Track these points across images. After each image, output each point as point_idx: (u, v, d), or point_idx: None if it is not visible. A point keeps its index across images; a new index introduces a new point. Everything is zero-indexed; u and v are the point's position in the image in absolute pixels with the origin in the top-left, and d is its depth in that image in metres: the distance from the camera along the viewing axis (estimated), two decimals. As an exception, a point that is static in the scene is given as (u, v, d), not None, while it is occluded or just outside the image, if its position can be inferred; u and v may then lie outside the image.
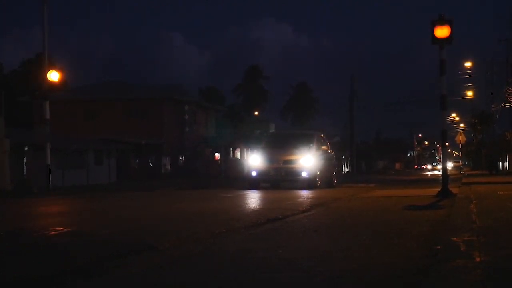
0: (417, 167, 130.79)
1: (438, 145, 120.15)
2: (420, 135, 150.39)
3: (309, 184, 21.45)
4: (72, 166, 36.70)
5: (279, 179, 22.23)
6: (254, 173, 22.18)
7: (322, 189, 21.26)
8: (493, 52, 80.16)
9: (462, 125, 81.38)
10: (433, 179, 37.11)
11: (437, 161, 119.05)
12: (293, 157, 22.08)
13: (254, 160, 22.66)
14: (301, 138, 23.92)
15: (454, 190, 16.01)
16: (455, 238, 6.15)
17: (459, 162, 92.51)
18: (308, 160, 21.92)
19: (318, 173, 22.24)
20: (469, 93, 68.06)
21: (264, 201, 14.87)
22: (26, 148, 29.87)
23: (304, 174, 21.69)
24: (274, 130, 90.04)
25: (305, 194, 17.71)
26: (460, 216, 8.92)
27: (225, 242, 7.01)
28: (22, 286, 4.73)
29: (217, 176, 50.05)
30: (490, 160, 49.84)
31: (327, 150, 24.36)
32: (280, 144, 23.46)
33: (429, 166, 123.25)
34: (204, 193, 19.92)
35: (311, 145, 22.98)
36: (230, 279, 4.88)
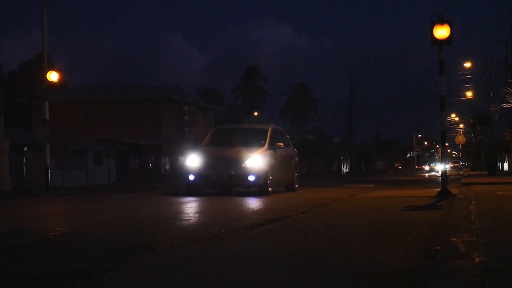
0: (418, 167, 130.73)
1: (437, 146, 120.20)
2: (419, 135, 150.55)
3: (259, 189, 18.03)
4: (71, 166, 36.70)
5: (220, 184, 18.26)
6: (191, 177, 18.25)
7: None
8: (492, 53, 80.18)
9: (461, 125, 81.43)
10: (432, 180, 37.13)
11: (436, 162, 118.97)
12: (238, 157, 18.13)
13: (192, 161, 18.47)
14: (252, 134, 20.21)
15: (454, 191, 16.01)
16: (454, 239, 6.14)
17: (458, 163, 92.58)
18: (256, 161, 18.00)
19: (270, 176, 18.32)
20: (469, 94, 68.10)
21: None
22: (25, 149, 29.87)
23: (251, 178, 17.84)
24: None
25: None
26: (460, 216, 8.92)
27: (225, 242, 7.00)
28: (20, 287, 4.72)
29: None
30: (489, 160, 49.90)
31: (285, 147, 20.34)
32: (225, 141, 19.56)
33: (426, 167, 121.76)
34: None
35: (263, 141, 19.07)
36: (230, 279, 4.87)
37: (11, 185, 25.45)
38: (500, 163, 57.55)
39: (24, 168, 29.52)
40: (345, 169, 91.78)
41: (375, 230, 7.99)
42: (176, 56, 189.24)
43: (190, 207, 13.47)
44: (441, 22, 15.54)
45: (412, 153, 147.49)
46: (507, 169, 54.15)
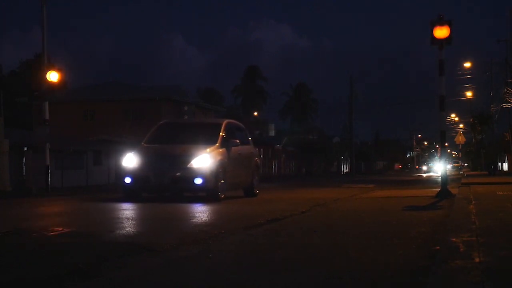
0: (418, 167, 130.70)
1: (437, 146, 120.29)
2: (419, 135, 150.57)
3: (208, 194, 15.24)
4: (71, 166, 36.69)
5: (161, 188, 15.54)
6: (128, 180, 15.51)
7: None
8: (492, 53, 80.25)
9: (461, 125, 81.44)
10: (431, 180, 37.13)
11: (434, 161, 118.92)
12: (183, 156, 15.33)
13: (129, 161, 15.68)
14: (203, 129, 17.39)
15: (454, 191, 16.02)
16: (454, 239, 6.14)
17: (458, 163, 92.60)
18: (205, 160, 15.17)
19: (222, 179, 15.60)
20: (469, 94, 68.11)
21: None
22: (25, 149, 29.86)
23: (197, 181, 15.03)
24: (273, 129, 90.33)
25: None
26: (460, 216, 8.92)
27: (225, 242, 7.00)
28: (20, 287, 4.72)
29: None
30: (489, 160, 49.91)
31: (242, 144, 17.47)
32: (171, 138, 16.88)
33: (424, 167, 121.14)
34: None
35: (215, 138, 16.29)
36: (229, 279, 4.87)
37: (11, 185, 25.45)
38: (500, 163, 57.55)
39: (24, 168, 29.50)
40: (345, 169, 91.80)
41: (375, 230, 7.99)
42: (176, 56, 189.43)
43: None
44: (441, 22, 15.55)
45: (412, 153, 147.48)
46: (507, 169, 54.13)
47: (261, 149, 64.98)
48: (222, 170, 15.57)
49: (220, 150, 16.00)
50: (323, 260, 5.65)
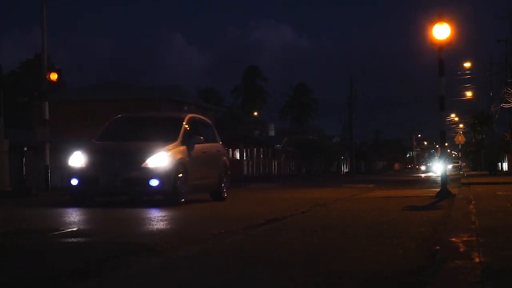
0: (418, 167, 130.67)
1: (437, 146, 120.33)
2: (419, 135, 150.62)
3: (166, 198, 13.63)
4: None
5: (112, 190, 13.79)
6: (74, 181, 13.72)
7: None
8: (492, 53, 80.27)
9: (461, 125, 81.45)
10: (430, 180, 37.13)
11: (433, 161, 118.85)
12: (137, 155, 13.60)
13: (76, 160, 13.84)
14: (162, 124, 15.51)
15: (454, 191, 16.02)
16: (454, 239, 6.15)
17: (458, 163, 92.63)
18: (162, 159, 13.44)
19: (183, 181, 13.84)
20: (468, 94, 68.15)
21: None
22: (25, 149, 29.85)
23: (153, 183, 13.29)
24: (273, 129, 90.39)
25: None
26: (459, 216, 8.93)
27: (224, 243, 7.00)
28: (20, 287, 4.72)
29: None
30: (490, 160, 49.88)
31: (208, 142, 15.69)
32: (125, 134, 15.12)
33: (422, 167, 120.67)
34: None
35: (176, 134, 14.44)
36: (229, 279, 4.87)
37: (11, 185, 25.44)
38: (500, 163, 57.54)
39: (24, 168, 29.51)
40: (345, 169, 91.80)
41: (375, 230, 7.99)
42: (176, 56, 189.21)
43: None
44: (441, 22, 15.55)
45: (412, 153, 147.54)
46: (506, 169, 54.13)
47: (261, 149, 65.04)
48: (182, 170, 13.84)
49: (181, 148, 14.17)
50: (323, 260, 5.65)
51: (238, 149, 63.01)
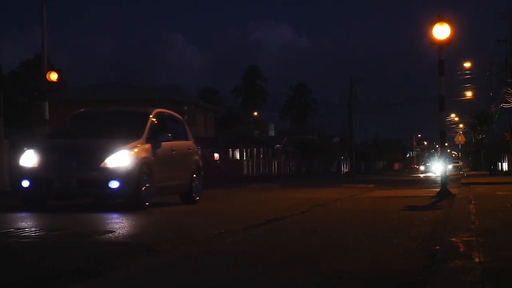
0: (417, 167, 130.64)
1: (437, 146, 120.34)
2: (419, 135, 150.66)
3: (128, 201, 12.30)
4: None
5: (68, 193, 12.45)
6: (26, 183, 12.29)
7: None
8: (492, 53, 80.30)
9: (461, 125, 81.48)
10: (430, 181, 37.12)
11: (432, 161, 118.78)
12: (95, 154, 12.23)
13: (27, 160, 12.47)
14: (125, 120, 14.01)
15: (454, 191, 16.02)
16: (454, 239, 6.15)
17: (458, 163, 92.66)
18: (123, 158, 12.12)
19: (148, 183, 12.48)
20: (468, 94, 68.17)
21: None
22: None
23: (113, 185, 11.95)
24: (273, 129, 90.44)
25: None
26: (459, 216, 8.93)
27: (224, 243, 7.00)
28: (20, 287, 4.72)
29: (216, 176, 50.08)
30: (490, 160, 49.87)
31: (177, 140, 14.21)
32: (84, 131, 13.72)
33: (421, 167, 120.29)
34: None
35: (140, 131, 13.04)
36: (229, 279, 4.87)
37: (11, 185, 25.46)
38: (499, 163, 57.55)
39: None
40: (345, 169, 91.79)
41: (375, 230, 8.00)
42: (176, 56, 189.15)
43: None
44: (441, 22, 15.55)
45: (412, 153, 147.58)
46: (506, 169, 54.14)
47: (261, 149, 65.05)
48: (147, 170, 12.54)
49: (146, 146, 12.79)
50: (323, 260, 5.65)
51: (238, 149, 63.01)
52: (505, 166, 55.80)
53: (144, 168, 12.45)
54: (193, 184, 14.43)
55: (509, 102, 42.98)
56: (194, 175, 14.58)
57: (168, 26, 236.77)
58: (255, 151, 63.47)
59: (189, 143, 15.04)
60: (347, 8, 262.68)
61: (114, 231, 8.18)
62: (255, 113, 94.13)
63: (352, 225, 8.67)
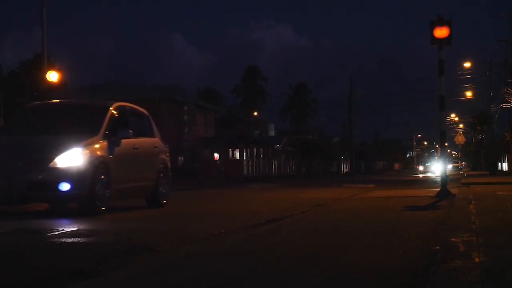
0: (417, 167, 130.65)
1: (437, 146, 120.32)
2: (419, 135, 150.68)
3: (82, 205, 11.12)
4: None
5: (13, 197, 10.92)
6: None
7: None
8: (492, 53, 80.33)
9: (461, 125, 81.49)
10: (430, 181, 37.10)
11: (432, 161, 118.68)
12: (44, 154, 10.92)
13: None
14: (81, 115, 12.55)
15: (454, 191, 16.02)
16: (454, 239, 6.15)
17: (458, 163, 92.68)
18: (75, 157, 10.86)
19: (104, 185, 11.27)
20: (468, 94, 68.18)
21: None
22: None
23: (64, 187, 10.70)
24: (273, 129, 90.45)
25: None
26: (459, 216, 8.93)
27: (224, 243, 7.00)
28: (20, 287, 4.72)
29: (216, 176, 50.09)
30: (490, 160, 49.88)
31: (140, 137, 13.02)
32: (34, 127, 12.44)
33: (420, 167, 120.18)
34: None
35: (97, 127, 11.74)
36: (229, 279, 4.87)
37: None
38: (499, 163, 57.57)
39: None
40: (345, 169, 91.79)
41: (375, 230, 8.00)
42: (176, 56, 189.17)
43: None
44: (441, 22, 15.56)
45: (412, 153, 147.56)
46: (506, 169, 54.15)
47: (261, 149, 65.05)
48: (104, 171, 11.28)
49: (103, 143, 11.51)
50: (323, 260, 5.65)
51: (238, 149, 63.02)
52: (505, 166, 55.80)
53: (100, 168, 11.20)
54: (160, 186, 13.20)
55: (509, 102, 42.98)
56: (161, 176, 13.36)
57: (168, 26, 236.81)
58: (255, 151, 63.49)
59: (155, 141, 13.72)
60: (347, 8, 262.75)
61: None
62: (255, 113, 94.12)
63: (352, 225, 8.66)
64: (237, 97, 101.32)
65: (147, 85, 65.33)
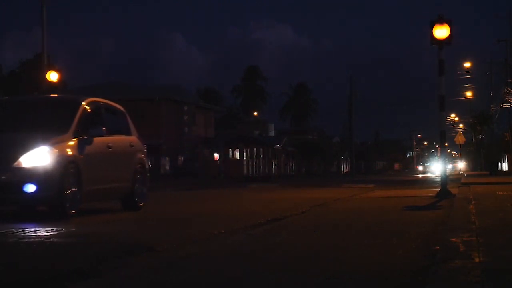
0: (417, 167, 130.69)
1: (437, 146, 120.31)
2: (419, 135, 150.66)
3: (50, 209, 10.51)
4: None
5: None
6: None
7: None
8: (492, 53, 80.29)
9: (461, 125, 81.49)
10: (429, 181, 37.10)
11: (431, 161, 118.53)
12: (8, 153, 10.21)
13: None
14: (50, 112, 11.78)
15: (453, 191, 16.02)
16: (454, 239, 6.15)
17: (457, 163, 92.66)
18: (41, 158, 10.07)
19: (74, 186, 10.37)
20: (468, 94, 68.16)
21: None
22: None
23: (29, 189, 9.96)
24: (273, 129, 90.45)
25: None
26: (459, 216, 8.93)
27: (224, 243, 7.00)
28: (20, 287, 4.72)
29: (216, 176, 50.10)
30: (490, 160, 49.89)
31: (116, 134, 12.23)
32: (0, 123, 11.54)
33: (419, 167, 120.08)
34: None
35: (67, 124, 10.85)
36: (229, 279, 4.87)
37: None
38: (499, 163, 57.58)
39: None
40: (345, 169, 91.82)
41: (375, 230, 8.00)
42: (176, 56, 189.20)
43: None
44: (441, 22, 15.55)
45: (412, 153, 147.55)
46: (506, 169, 54.16)
47: (261, 149, 65.07)
48: (74, 171, 10.44)
49: (73, 142, 10.63)
50: (323, 260, 5.65)
51: (238, 149, 63.02)
52: (505, 166, 55.80)
53: (70, 168, 10.35)
54: (136, 187, 12.28)
55: (509, 102, 42.98)
56: (138, 176, 12.46)
57: (168, 26, 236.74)
58: (255, 151, 63.51)
59: (132, 139, 12.77)
60: (347, 8, 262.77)
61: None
62: (255, 113, 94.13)
63: (352, 225, 8.66)
64: (237, 97, 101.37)
65: (147, 85, 65.40)
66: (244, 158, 61.02)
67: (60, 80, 25.15)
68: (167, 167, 52.37)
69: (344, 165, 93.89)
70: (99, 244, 6.94)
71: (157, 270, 5.30)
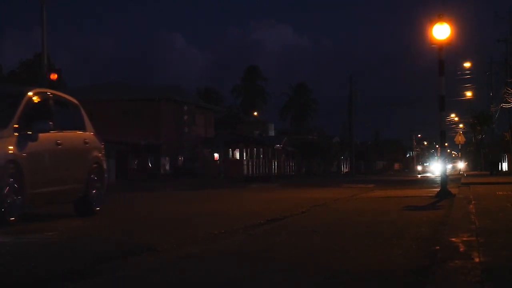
0: (416, 167, 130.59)
1: (437, 146, 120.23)
2: (419, 135, 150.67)
3: None
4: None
5: None
6: None
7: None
8: (492, 53, 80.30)
9: (461, 125, 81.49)
10: (429, 181, 37.10)
11: (431, 161, 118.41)
12: None
13: None
14: None
15: (453, 191, 16.02)
16: (454, 239, 6.15)
17: (457, 163, 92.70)
18: None
19: (15, 189, 9.11)
20: (468, 94, 68.17)
21: None
22: None
23: None
24: (273, 129, 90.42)
25: None
26: (459, 216, 8.93)
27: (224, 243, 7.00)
28: (20, 287, 4.72)
29: (216, 176, 50.11)
30: (490, 160, 49.89)
31: (68, 129, 11.00)
32: None
33: (419, 167, 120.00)
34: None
35: (8, 118, 9.51)
36: (229, 279, 4.87)
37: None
38: (500, 163, 57.60)
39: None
40: (344, 169, 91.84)
41: (375, 230, 7.99)
42: (176, 56, 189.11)
43: None
44: (441, 22, 15.56)
45: (412, 153, 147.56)
46: (506, 169, 54.17)
47: (261, 149, 65.06)
48: (14, 172, 9.18)
49: (13, 138, 9.33)
50: (323, 260, 5.64)
51: (238, 149, 63.01)
52: (505, 166, 55.82)
53: (8, 168, 9.09)
54: (92, 189, 11.11)
55: (509, 102, 42.98)
56: (93, 177, 11.30)
57: (168, 26, 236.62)
58: (255, 151, 63.51)
59: (87, 135, 11.54)
60: (347, 8, 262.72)
61: None
62: (255, 113, 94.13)
63: (352, 225, 8.66)
64: (237, 97, 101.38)
65: (147, 85, 65.39)
66: (244, 158, 61.02)
67: (60, 80, 25.17)
68: (167, 167, 52.37)
69: (344, 165, 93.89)
70: (100, 244, 6.93)
71: (158, 270, 5.29)
